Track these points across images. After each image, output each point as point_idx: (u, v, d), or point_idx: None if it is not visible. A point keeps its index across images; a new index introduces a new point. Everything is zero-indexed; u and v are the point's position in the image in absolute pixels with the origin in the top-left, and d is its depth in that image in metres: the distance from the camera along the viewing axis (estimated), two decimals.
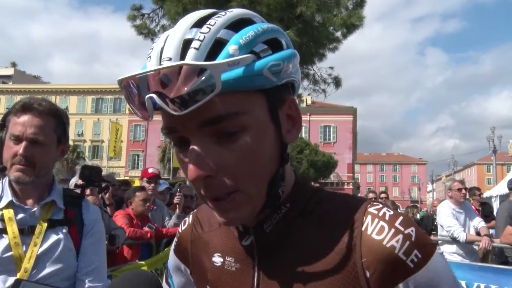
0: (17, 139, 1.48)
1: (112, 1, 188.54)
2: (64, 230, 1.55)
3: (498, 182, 16.04)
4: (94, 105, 52.52)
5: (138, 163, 49.64)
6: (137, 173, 42.55)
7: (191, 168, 0.62)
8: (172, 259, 0.94)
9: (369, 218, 0.68)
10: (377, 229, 0.66)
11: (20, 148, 1.46)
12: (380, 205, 0.71)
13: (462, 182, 5.08)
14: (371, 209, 0.69)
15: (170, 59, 0.60)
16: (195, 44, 0.60)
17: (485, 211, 7.02)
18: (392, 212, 0.69)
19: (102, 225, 1.74)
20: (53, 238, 1.51)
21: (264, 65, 0.62)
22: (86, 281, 1.56)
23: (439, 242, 5.23)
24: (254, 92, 0.63)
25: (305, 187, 0.77)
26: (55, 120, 1.55)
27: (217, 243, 0.81)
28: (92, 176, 2.23)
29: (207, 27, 0.62)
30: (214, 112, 0.60)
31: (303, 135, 44.03)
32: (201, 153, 0.62)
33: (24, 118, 1.49)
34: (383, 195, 8.07)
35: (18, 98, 52.44)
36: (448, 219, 4.92)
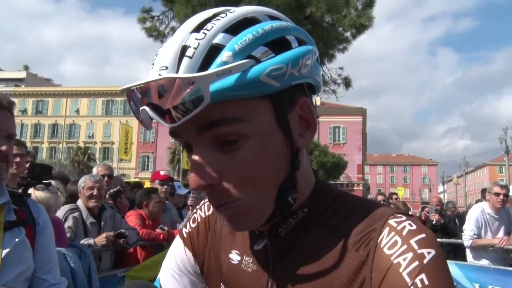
0: None
1: (123, 3, 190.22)
2: (22, 231, 1.49)
3: (511, 183, 15.83)
4: (105, 107, 52.87)
5: (148, 165, 49.89)
6: (147, 175, 42.77)
7: (192, 177, 0.61)
8: (179, 256, 0.85)
9: (386, 230, 0.62)
10: (390, 243, 0.61)
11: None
12: (404, 218, 0.64)
13: (503, 186, 4.72)
14: (391, 221, 0.63)
15: (167, 68, 0.58)
16: (189, 52, 0.57)
17: None
18: (414, 227, 0.62)
19: (50, 223, 1.69)
20: (13, 240, 1.45)
21: (262, 71, 0.57)
22: (49, 279, 1.53)
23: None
24: (256, 98, 0.59)
25: (325, 192, 0.72)
26: (12, 115, 1.53)
27: (236, 239, 0.77)
28: (42, 173, 2.22)
29: (203, 32, 0.58)
30: (210, 117, 0.58)
31: None
32: (202, 162, 0.60)
33: None
34: (394, 196, 8.05)
35: (30, 100, 53.57)
36: (470, 221, 4.78)
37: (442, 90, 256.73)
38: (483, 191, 6.87)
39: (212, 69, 0.55)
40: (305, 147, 0.67)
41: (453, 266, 4.80)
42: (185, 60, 0.57)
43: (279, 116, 0.61)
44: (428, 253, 0.58)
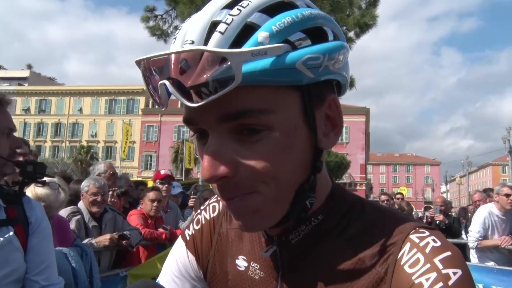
0: (10, 132, 1.43)
1: (127, 2, 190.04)
2: (10, 230, 1.44)
3: None
4: (108, 106, 53.00)
5: (150, 164, 49.94)
6: (149, 174, 42.90)
7: (206, 167, 0.55)
8: (181, 260, 0.81)
9: (407, 246, 0.58)
10: (411, 260, 0.56)
11: (12, 141, 1.43)
12: (427, 233, 0.59)
13: None
14: (413, 236, 0.59)
15: (193, 42, 0.53)
16: (221, 27, 0.52)
17: None
18: (439, 244, 0.57)
19: (47, 221, 1.62)
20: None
21: (298, 58, 0.53)
22: (40, 280, 1.48)
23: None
24: (286, 87, 0.54)
25: (342, 198, 0.67)
26: None
27: (243, 244, 0.73)
28: (35, 172, 2.09)
29: (238, 8, 0.53)
30: (236, 106, 0.53)
31: None
32: (218, 151, 0.55)
33: (6, 110, 1.45)
34: (399, 196, 8.01)
35: (33, 99, 53.72)
36: (476, 223, 4.74)
37: (446, 90, 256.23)
38: (485, 191, 6.84)
39: (247, 47, 0.51)
40: (329, 148, 0.62)
41: None
42: (216, 35, 0.52)
43: (307, 111, 0.57)
44: (454, 273, 0.54)
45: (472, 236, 4.73)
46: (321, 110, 0.59)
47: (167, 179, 4.99)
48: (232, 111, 0.53)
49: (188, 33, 0.54)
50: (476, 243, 4.69)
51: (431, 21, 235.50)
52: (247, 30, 0.53)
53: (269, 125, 0.55)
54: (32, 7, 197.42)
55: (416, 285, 0.54)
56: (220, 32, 0.52)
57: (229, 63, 0.49)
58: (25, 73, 61.15)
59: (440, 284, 0.53)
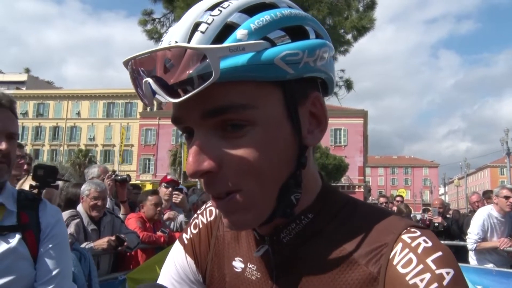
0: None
1: (125, 6, 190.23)
2: (17, 237, 1.38)
3: None
4: (106, 109, 52.99)
5: (149, 167, 49.89)
6: (148, 177, 42.89)
7: (190, 162, 0.57)
8: (180, 263, 0.81)
9: (399, 246, 0.58)
10: (404, 260, 0.57)
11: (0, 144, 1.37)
12: (419, 233, 0.59)
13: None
14: (405, 236, 0.59)
15: (176, 42, 0.55)
16: (202, 27, 0.54)
17: None
18: (430, 244, 0.58)
19: (63, 227, 1.56)
20: (3, 246, 1.35)
21: (277, 54, 0.54)
22: None
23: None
24: (267, 83, 0.56)
25: (333, 198, 0.67)
26: (14, 114, 1.47)
27: (240, 246, 0.74)
28: (46, 176, 1.98)
29: (218, 9, 0.56)
30: (218, 102, 0.54)
31: None
32: (202, 147, 0.57)
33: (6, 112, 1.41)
34: (398, 198, 8.00)
35: (31, 103, 53.65)
36: (475, 225, 4.74)
37: (444, 92, 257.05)
38: (485, 193, 6.85)
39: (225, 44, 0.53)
40: (313, 145, 0.63)
41: None
42: (197, 35, 0.54)
43: (289, 107, 0.58)
44: (447, 273, 0.55)
45: (471, 238, 4.73)
46: (305, 107, 0.61)
47: (171, 184, 5.13)
48: (214, 107, 0.55)
49: (173, 35, 0.57)
50: (475, 245, 4.70)
51: (429, 24, 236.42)
52: (227, 29, 0.55)
53: (252, 120, 0.56)
54: (30, 11, 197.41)
55: (411, 286, 0.55)
56: (201, 31, 0.54)
57: (207, 60, 0.51)
58: (23, 77, 61.19)
59: (435, 284, 0.54)
